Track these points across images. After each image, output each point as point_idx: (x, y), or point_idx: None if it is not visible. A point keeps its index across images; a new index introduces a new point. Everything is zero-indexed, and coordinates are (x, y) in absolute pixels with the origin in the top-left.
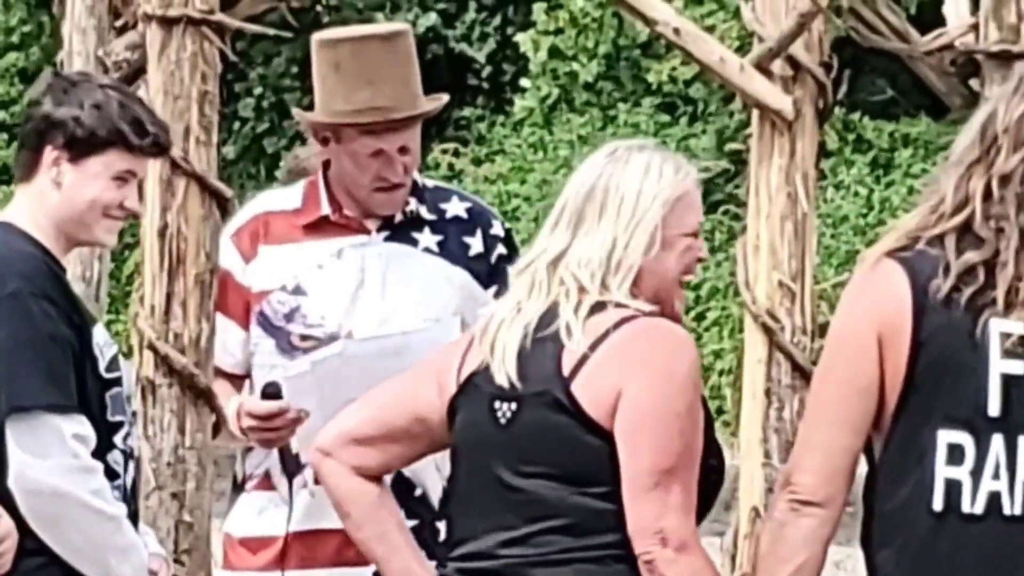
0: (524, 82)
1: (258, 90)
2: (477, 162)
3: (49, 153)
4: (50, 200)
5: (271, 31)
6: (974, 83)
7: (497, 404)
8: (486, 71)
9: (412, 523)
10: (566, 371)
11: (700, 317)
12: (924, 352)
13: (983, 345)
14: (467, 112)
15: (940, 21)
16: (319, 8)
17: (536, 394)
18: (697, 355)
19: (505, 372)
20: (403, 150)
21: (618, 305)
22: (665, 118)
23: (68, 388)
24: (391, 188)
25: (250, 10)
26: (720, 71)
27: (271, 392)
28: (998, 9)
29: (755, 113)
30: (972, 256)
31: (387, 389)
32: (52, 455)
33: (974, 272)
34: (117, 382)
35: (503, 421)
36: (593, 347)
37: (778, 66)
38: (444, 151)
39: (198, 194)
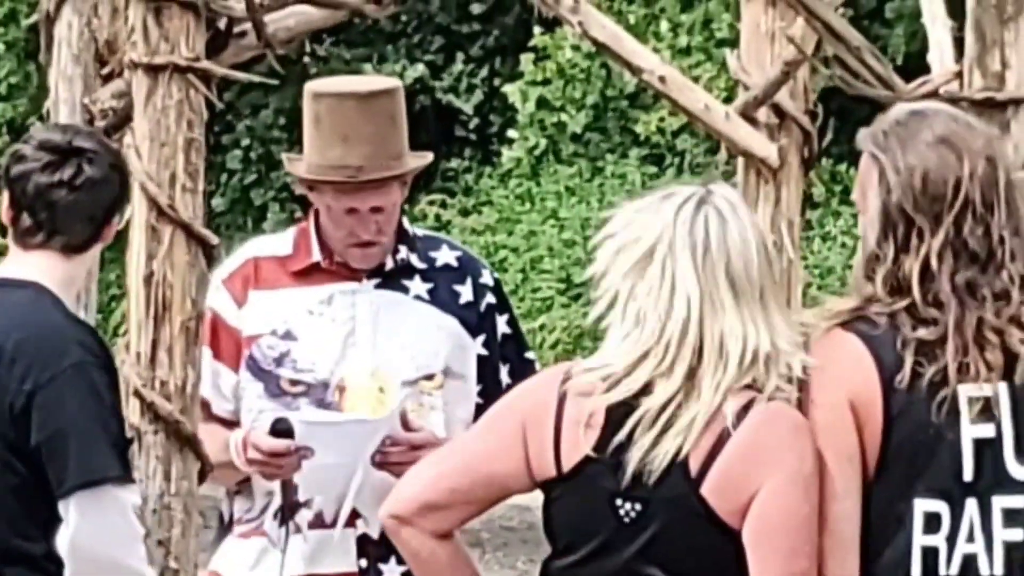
0: (511, 133)
1: (246, 141)
2: (464, 213)
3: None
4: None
5: (256, 78)
6: None
7: (619, 502)
8: (473, 122)
9: None
10: (694, 470)
11: None
12: (897, 427)
13: (953, 414)
14: (454, 163)
15: (925, 69)
16: (306, 60)
17: (667, 499)
18: (813, 439)
19: (631, 469)
20: (376, 210)
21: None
22: (652, 169)
23: (128, 458)
24: (365, 245)
25: (236, 58)
26: (705, 119)
27: (281, 428)
28: (982, 57)
29: (740, 161)
30: (925, 333)
31: (462, 449)
32: (115, 527)
33: (930, 346)
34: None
35: (627, 520)
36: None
37: (763, 114)
38: (431, 202)
39: (184, 241)
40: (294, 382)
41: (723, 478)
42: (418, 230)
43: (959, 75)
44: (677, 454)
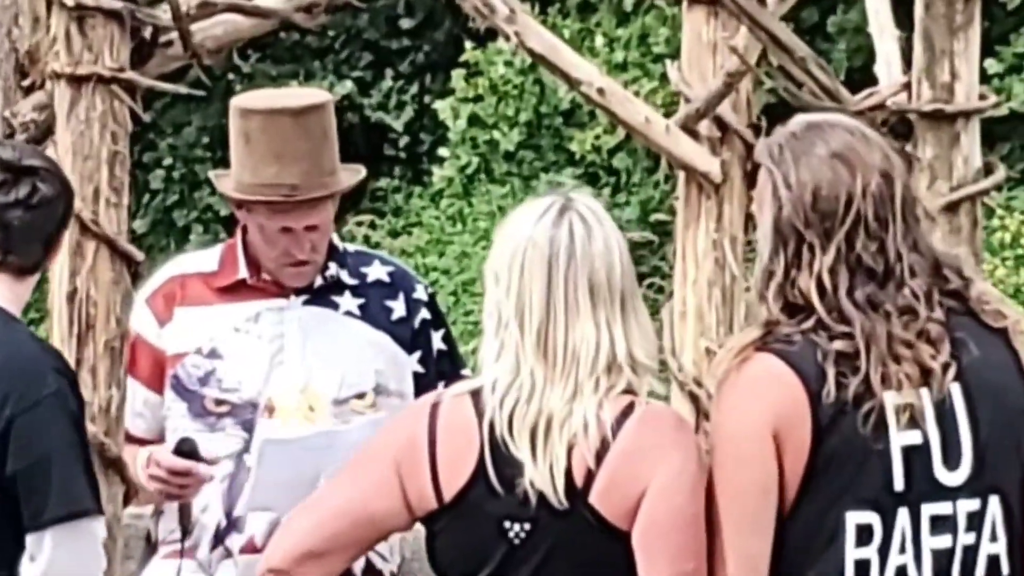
0: (443, 151)
1: (168, 160)
2: (394, 234)
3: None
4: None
5: (183, 89)
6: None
7: (507, 524)
8: (403, 140)
9: None
10: (579, 480)
11: None
12: (825, 441)
13: (881, 424)
14: (383, 183)
15: (872, 80)
16: (231, 76)
17: (555, 513)
18: (697, 441)
19: (515, 489)
20: (311, 228)
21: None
22: (588, 188)
23: (99, 490)
24: (299, 264)
25: (161, 68)
26: (646, 132)
27: (185, 449)
28: (931, 68)
29: (681, 176)
30: (842, 346)
31: (335, 494)
32: (88, 561)
33: (850, 358)
34: None
35: (517, 542)
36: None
37: (705, 127)
38: (359, 223)
39: (108, 258)
40: (219, 402)
41: (610, 483)
42: (349, 246)
43: (907, 86)
44: (560, 466)
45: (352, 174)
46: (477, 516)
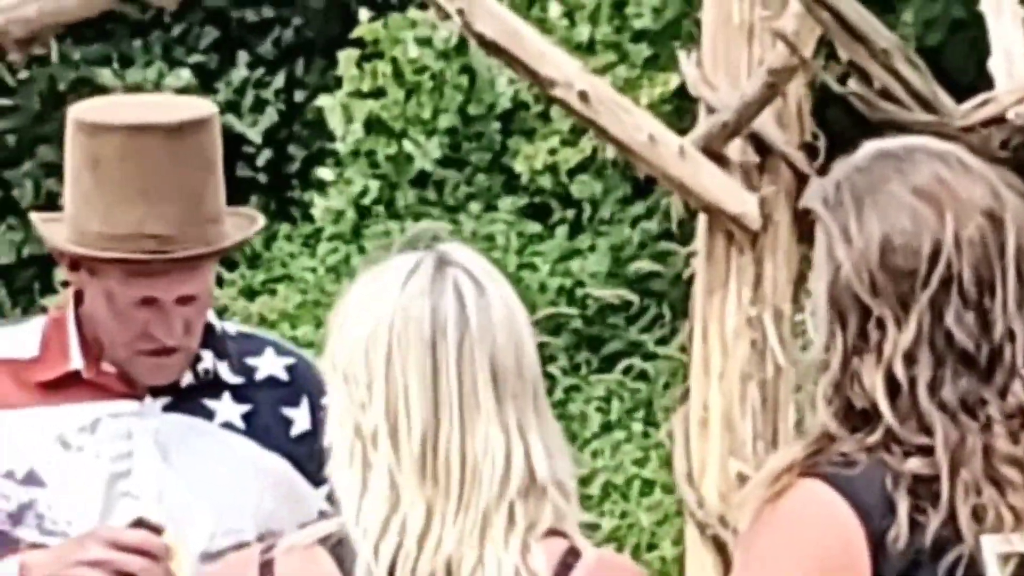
0: (324, 172)
1: None
2: (249, 294)
3: None
4: None
5: None
6: None
7: None
8: (263, 156)
9: None
10: None
11: (593, 526)
12: None
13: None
14: None
15: (986, 83)
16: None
17: None
18: None
19: None
20: (186, 300)
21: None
22: (534, 227)
23: None
24: (164, 352)
25: None
26: (649, 156)
27: (150, 526)
28: None
29: (702, 220)
30: (919, 465)
31: None
32: None
33: (930, 484)
34: None
35: None
36: None
37: (737, 149)
38: None
39: None
40: (39, 546)
41: None
42: (228, 325)
43: None
44: None
45: (244, 222)
46: None
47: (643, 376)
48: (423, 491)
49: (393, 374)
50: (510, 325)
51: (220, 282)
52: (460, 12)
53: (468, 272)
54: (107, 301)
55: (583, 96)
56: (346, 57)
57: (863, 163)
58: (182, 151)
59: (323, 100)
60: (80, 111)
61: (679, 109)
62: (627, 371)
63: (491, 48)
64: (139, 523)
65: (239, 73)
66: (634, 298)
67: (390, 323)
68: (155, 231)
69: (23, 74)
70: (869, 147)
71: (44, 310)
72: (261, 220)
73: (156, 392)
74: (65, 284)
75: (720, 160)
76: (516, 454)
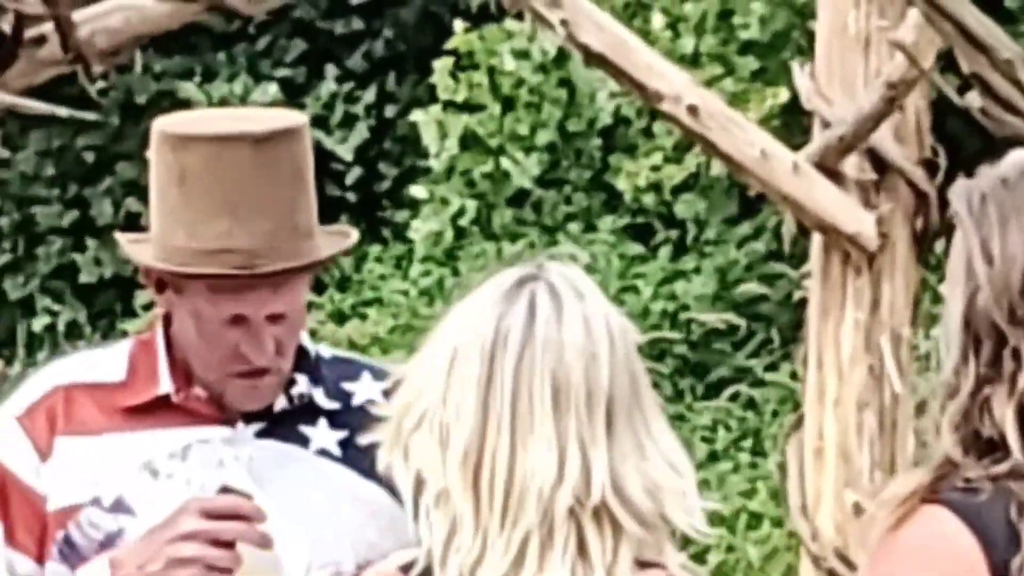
0: (417, 190)
1: None
2: (338, 318)
3: None
4: None
5: (64, 111)
6: None
7: None
8: (353, 174)
9: None
10: None
11: (700, 558)
12: None
13: None
14: None
15: None
16: (101, 83)
17: None
18: None
19: None
20: (276, 318)
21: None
22: (637, 248)
23: None
24: (255, 374)
25: (27, 78)
26: (761, 172)
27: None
28: None
29: (816, 240)
30: None
31: None
32: None
33: None
34: None
35: None
36: None
37: (854, 165)
38: None
39: None
40: None
41: None
42: (323, 349)
43: None
44: None
45: (337, 239)
46: None
47: (750, 404)
48: (473, 509)
49: (451, 386)
50: (585, 341)
51: (308, 306)
52: (563, 23)
53: (551, 287)
54: (195, 321)
55: (692, 110)
56: (441, 66)
57: (1011, 177)
58: (271, 162)
59: (417, 115)
60: (165, 124)
61: (787, 124)
62: (734, 398)
63: (596, 60)
64: (226, 490)
65: (328, 87)
66: (741, 322)
67: (457, 335)
68: (242, 246)
69: (100, 83)
70: (1018, 159)
71: (124, 334)
72: (355, 235)
73: (248, 418)
74: (146, 307)
75: (835, 177)
76: (570, 471)
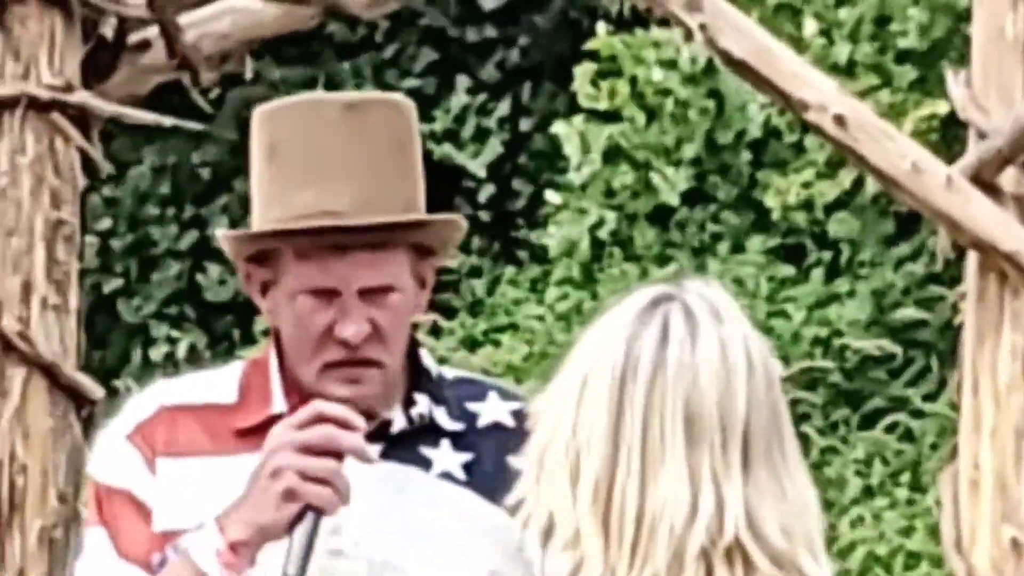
0: (552, 195)
1: (105, 223)
2: (470, 345)
3: None
4: None
5: (169, 120)
6: None
7: None
8: (486, 191)
9: None
10: None
11: None
12: None
13: None
14: (455, 261)
15: None
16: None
17: None
18: None
19: None
20: (369, 293)
21: None
22: (787, 270)
23: None
24: (352, 363)
25: (133, 87)
26: (913, 186)
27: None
28: None
29: (972, 258)
30: None
31: None
32: None
33: None
34: None
35: None
36: None
37: (1011, 180)
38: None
39: (45, 392)
40: None
41: None
42: (446, 370)
43: None
44: None
45: (445, 221)
46: None
47: (908, 435)
48: (603, 546)
49: (581, 415)
50: (721, 368)
51: (438, 332)
52: (703, 27)
53: (687, 308)
54: (288, 305)
55: (839, 120)
56: (583, 72)
57: None
58: (363, 128)
59: (558, 126)
60: (264, 109)
61: (945, 137)
62: (890, 430)
63: (737, 67)
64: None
65: (459, 99)
66: (898, 349)
67: (587, 360)
68: (331, 207)
69: (212, 93)
70: None
71: None
72: (464, 224)
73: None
74: (266, 333)
75: (992, 191)
76: (704, 508)
